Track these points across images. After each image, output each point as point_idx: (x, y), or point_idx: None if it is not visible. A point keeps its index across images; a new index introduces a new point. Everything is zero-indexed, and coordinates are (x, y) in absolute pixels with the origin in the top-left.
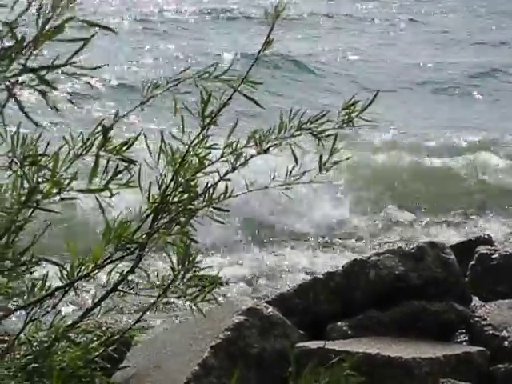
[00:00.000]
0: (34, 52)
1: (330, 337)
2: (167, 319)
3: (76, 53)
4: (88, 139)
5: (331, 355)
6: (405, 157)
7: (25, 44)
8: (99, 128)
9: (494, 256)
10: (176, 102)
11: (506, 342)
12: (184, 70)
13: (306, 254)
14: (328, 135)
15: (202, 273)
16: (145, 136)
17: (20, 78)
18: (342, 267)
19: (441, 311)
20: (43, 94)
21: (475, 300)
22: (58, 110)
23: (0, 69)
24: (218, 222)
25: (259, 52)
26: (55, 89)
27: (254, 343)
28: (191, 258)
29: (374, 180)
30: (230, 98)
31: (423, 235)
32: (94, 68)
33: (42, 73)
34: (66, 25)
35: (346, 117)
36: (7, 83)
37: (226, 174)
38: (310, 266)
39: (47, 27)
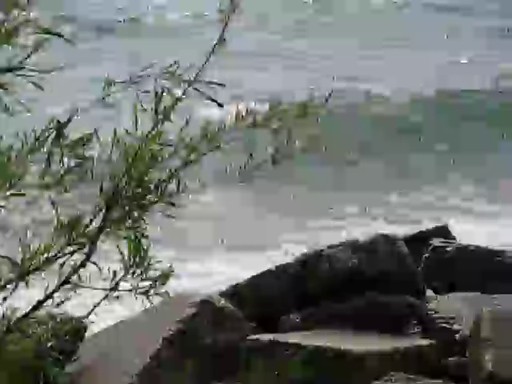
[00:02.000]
0: None
1: (283, 329)
2: (120, 312)
3: (27, 57)
4: (41, 135)
5: (283, 348)
6: None
7: None
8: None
9: (448, 249)
10: (136, 99)
11: (457, 335)
12: (145, 69)
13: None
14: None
15: (154, 267)
16: (96, 131)
17: None
18: (296, 259)
19: (393, 304)
20: None
21: (428, 292)
22: (10, 112)
23: None
24: (170, 217)
25: (212, 50)
26: (5, 89)
27: (206, 335)
28: (143, 252)
29: None
30: (184, 94)
31: None
32: (47, 71)
33: None
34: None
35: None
36: None
37: (177, 169)
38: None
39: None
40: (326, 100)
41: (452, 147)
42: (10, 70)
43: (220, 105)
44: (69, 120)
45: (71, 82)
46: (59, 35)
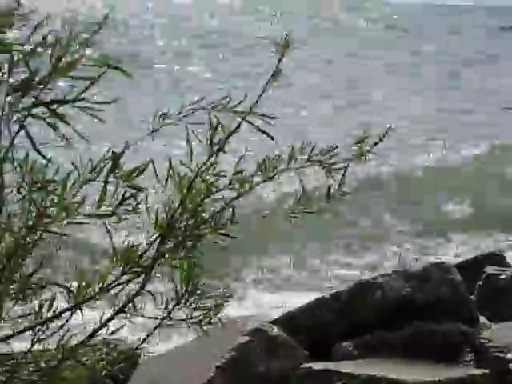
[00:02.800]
0: (48, 86)
1: (336, 357)
2: (174, 339)
3: (86, 89)
4: (97, 165)
5: (336, 377)
6: None
7: (38, 78)
8: (109, 154)
9: (502, 277)
10: (187, 130)
11: (511, 365)
12: (197, 101)
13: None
14: (337, 168)
15: (207, 295)
16: (153, 162)
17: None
18: (348, 288)
19: (446, 332)
20: (54, 127)
21: (482, 320)
22: (69, 142)
23: (13, 101)
24: (224, 247)
25: (267, 83)
26: (66, 122)
27: (259, 363)
28: (196, 282)
29: None
30: (239, 127)
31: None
32: (106, 103)
33: (54, 106)
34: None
35: (358, 150)
36: (19, 116)
37: (232, 200)
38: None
39: (61, 64)
40: (381, 139)
41: None
42: (67, 101)
43: (272, 138)
44: (124, 150)
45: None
46: (118, 68)
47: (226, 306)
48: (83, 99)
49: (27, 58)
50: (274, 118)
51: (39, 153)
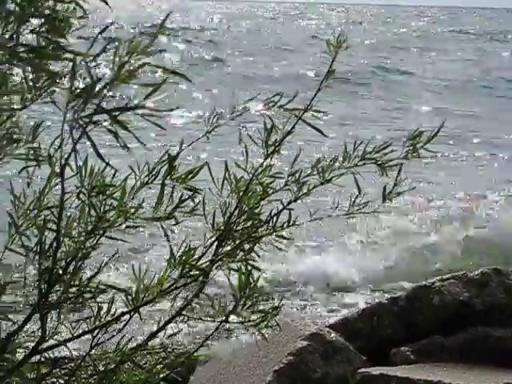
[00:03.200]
0: (109, 93)
1: (393, 362)
2: (231, 343)
3: (148, 96)
4: (154, 168)
5: (393, 382)
6: None
7: (100, 86)
8: (165, 157)
9: None
10: (241, 131)
11: None
12: (250, 99)
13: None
14: (392, 165)
15: (264, 298)
16: (208, 165)
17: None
18: (406, 292)
19: (504, 337)
20: (115, 134)
21: None
22: (128, 149)
23: (76, 108)
24: (281, 249)
25: (321, 82)
26: (128, 130)
27: (317, 368)
28: (253, 285)
29: None
30: (294, 127)
31: None
32: (166, 110)
33: (116, 113)
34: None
35: (411, 147)
36: (81, 122)
37: (290, 203)
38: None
39: (123, 71)
40: (433, 137)
41: None
42: (129, 109)
43: (325, 135)
44: (179, 153)
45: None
46: (180, 75)
47: (284, 309)
48: (145, 106)
49: (89, 65)
50: (324, 112)
51: (102, 159)
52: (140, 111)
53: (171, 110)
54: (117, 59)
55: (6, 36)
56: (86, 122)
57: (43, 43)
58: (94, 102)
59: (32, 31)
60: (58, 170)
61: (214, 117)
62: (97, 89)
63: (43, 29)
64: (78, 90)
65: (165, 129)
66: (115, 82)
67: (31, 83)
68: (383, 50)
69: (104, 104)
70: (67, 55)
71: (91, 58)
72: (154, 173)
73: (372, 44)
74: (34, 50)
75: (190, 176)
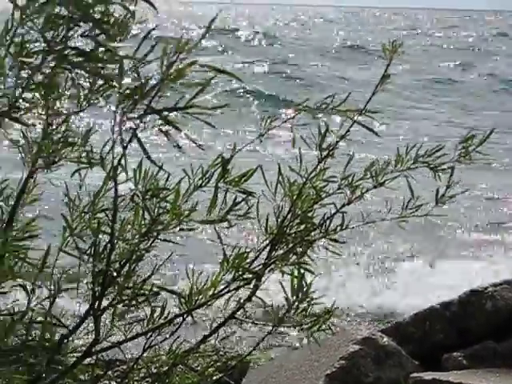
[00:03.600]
0: (159, 94)
1: (445, 367)
2: (283, 346)
3: (196, 95)
4: (207, 171)
5: None
6: None
7: (149, 86)
8: (218, 160)
9: None
10: (294, 133)
11: None
12: (303, 102)
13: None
14: (445, 169)
15: (316, 302)
16: (261, 168)
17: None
18: (459, 297)
19: None
20: (167, 134)
21: None
22: (180, 148)
23: (125, 109)
24: (335, 253)
25: (377, 86)
26: (178, 129)
27: (369, 372)
28: (306, 289)
29: None
30: (348, 131)
31: None
32: (217, 107)
33: (166, 113)
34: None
35: (463, 150)
36: (131, 124)
37: (343, 206)
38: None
39: (171, 70)
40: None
41: None
42: (179, 108)
43: (378, 135)
44: (232, 156)
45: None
46: (229, 74)
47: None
48: (194, 106)
49: (138, 66)
50: (376, 112)
51: (152, 161)
52: (190, 110)
53: (221, 106)
54: (165, 59)
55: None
56: (136, 123)
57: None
58: (144, 102)
59: (82, 35)
60: (109, 172)
61: (268, 119)
62: (146, 89)
63: (93, 33)
64: (128, 91)
65: (214, 126)
66: (164, 81)
67: (86, 87)
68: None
69: (154, 105)
70: (115, 57)
71: (139, 59)
72: (207, 176)
73: None
74: (83, 54)
75: (243, 179)
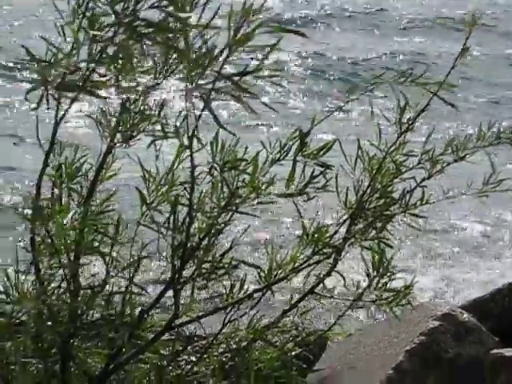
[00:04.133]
0: (228, 59)
1: None
2: (362, 321)
3: (265, 58)
4: (285, 144)
5: None
6: None
7: (217, 51)
8: (296, 133)
9: None
10: (372, 106)
11: None
12: (380, 75)
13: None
14: None
15: (396, 277)
16: (339, 142)
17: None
18: None
19: None
20: (239, 99)
21: None
22: (256, 114)
23: (196, 77)
24: (415, 228)
25: (456, 59)
26: (251, 94)
27: (449, 349)
28: (386, 264)
29: None
30: (428, 105)
31: None
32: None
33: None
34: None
35: None
36: (202, 91)
37: (423, 180)
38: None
39: (238, 34)
40: None
41: None
42: (249, 73)
43: (458, 110)
44: (311, 129)
45: None
46: (297, 32)
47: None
48: (263, 69)
49: (204, 33)
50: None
51: (224, 129)
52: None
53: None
54: (232, 24)
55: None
56: (208, 89)
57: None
58: (214, 69)
59: (151, 6)
60: (186, 143)
61: (346, 92)
62: (215, 55)
63: (162, 3)
64: (197, 59)
65: (281, 85)
66: (232, 46)
67: (161, 60)
68: None
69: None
70: (185, 27)
71: (207, 26)
72: (285, 149)
73: None
74: (152, 25)
75: (321, 152)
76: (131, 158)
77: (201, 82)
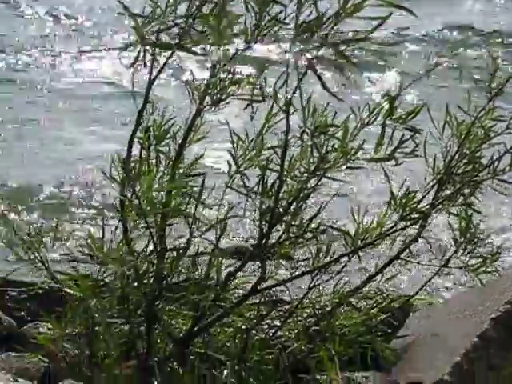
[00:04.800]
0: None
1: None
2: (448, 288)
3: (374, 30)
4: (374, 109)
5: None
6: None
7: (325, 19)
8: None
9: None
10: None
11: None
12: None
13: None
14: None
15: (483, 244)
16: (427, 106)
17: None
18: None
19: None
20: (340, 68)
21: None
22: (355, 82)
23: (301, 43)
24: (503, 194)
25: None
26: (354, 64)
27: None
28: (473, 230)
29: None
30: None
31: None
32: (392, 44)
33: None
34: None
35: None
36: (308, 56)
37: None
38: None
39: (348, 4)
40: None
41: None
42: (355, 41)
43: None
44: (399, 93)
45: None
46: (406, 9)
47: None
48: (370, 39)
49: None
50: None
51: (330, 93)
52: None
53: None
54: None
55: None
56: (313, 55)
57: None
58: (320, 36)
59: None
60: (283, 107)
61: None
62: (322, 22)
63: None
64: (304, 24)
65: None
66: (341, 14)
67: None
68: None
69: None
70: None
71: None
72: (374, 113)
73: None
74: None
75: (410, 116)
76: (220, 122)
77: (307, 47)
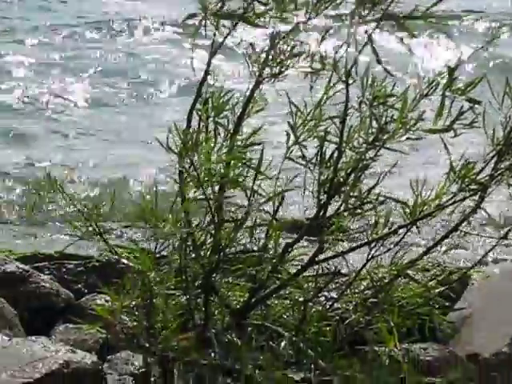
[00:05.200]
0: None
1: None
2: (505, 261)
3: (434, 4)
4: (433, 80)
5: None
6: None
7: None
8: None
9: None
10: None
11: None
12: None
13: None
14: None
15: None
16: (487, 77)
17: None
18: None
19: None
20: (401, 40)
21: None
22: (413, 54)
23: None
24: None
25: None
26: (414, 36)
27: None
28: None
29: None
30: None
31: None
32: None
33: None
34: None
35: None
36: (366, 27)
37: None
38: None
39: None
40: None
41: None
42: (417, 17)
43: None
44: (458, 64)
45: None
46: None
47: None
48: (432, 15)
49: None
50: None
51: (385, 70)
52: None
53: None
54: None
55: None
56: (372, 27)
57: None
58: (382, 7)
59: None
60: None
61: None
62: None
63: None
64: None
65: (451, 37)
66: None
67: None
68: None
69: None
70: None
71: None
72: (433, 84)
73: None
74: None
75: (469, 88)
76: (279, 93)
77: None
